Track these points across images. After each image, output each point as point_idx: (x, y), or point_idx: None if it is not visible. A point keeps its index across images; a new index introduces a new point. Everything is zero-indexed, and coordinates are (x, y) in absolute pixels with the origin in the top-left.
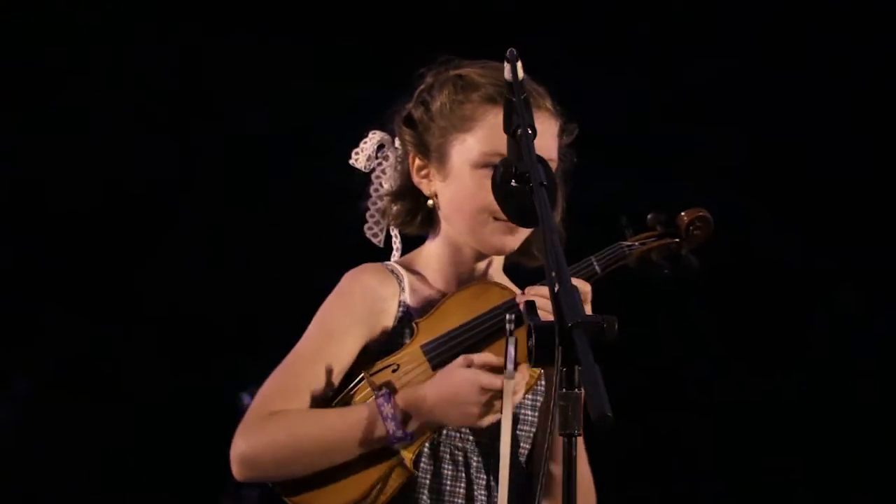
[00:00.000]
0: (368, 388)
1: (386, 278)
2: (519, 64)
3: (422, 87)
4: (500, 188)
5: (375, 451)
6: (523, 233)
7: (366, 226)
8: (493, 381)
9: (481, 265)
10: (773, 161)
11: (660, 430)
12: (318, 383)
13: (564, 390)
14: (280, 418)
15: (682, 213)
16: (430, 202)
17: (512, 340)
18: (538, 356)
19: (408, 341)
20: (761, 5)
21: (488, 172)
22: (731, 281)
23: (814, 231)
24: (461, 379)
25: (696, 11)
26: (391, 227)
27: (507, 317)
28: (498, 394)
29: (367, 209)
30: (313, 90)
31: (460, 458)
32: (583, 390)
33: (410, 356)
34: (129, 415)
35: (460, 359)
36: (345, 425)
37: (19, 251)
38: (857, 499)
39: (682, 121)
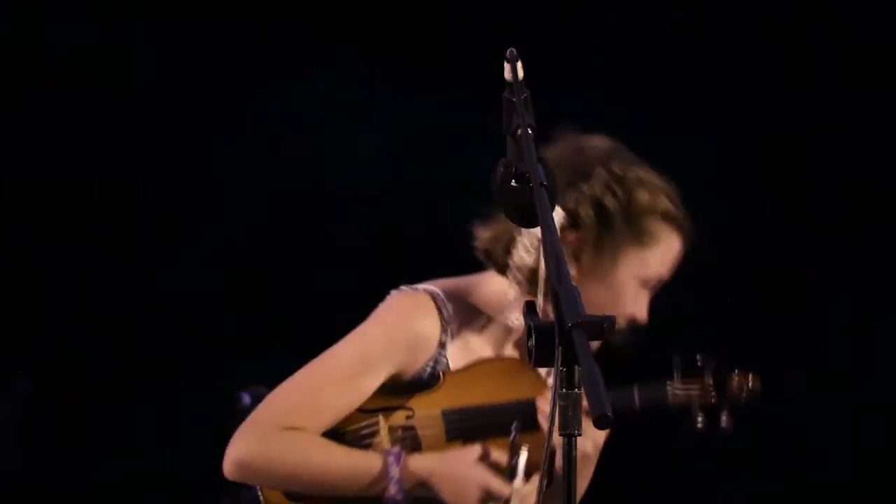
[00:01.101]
0: (382, 433)
1: (434, 319)
2: (519, 64)
3: (611, 178)
4: (500, 188)
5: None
6: None
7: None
8: (501, 489)
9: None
10: (774, 161)
11: (659, 430)
12: (339, 411)
13: (564, 390)
14: (292, 440)
15: (735, 376)
16: None
17: (524, 451)
18: (538, 356)
19: (431, 386)
20: (767, 4)
21: (645, 291)
22: (731, 281)
23: (815, 231)
24: (471, 476)
25: (699, 10)
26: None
27: (513, 426)
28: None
29: (509, 276)
30: (313, 90)
31: None
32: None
33: (428, 412)
34: (128, 415)
35: (475, 451)
36: (349, 469)
37: (19, 251)
38: (858, 499)
39: (685, 121)
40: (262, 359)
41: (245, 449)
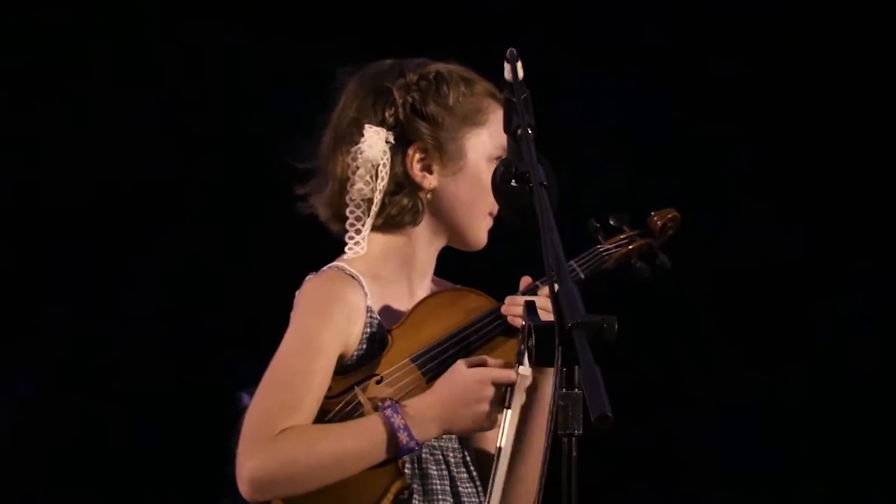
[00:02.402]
0: (364, 402)
1: (351, 285)
2: (519, 64)
3: (413, 81)
4: (500, 188)
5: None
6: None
7: (348, 235)
8: (508, 374)
9: (433, 260)
10: (774, 161)
11: (660, 429)
12: (315, 399)
13: (564, 390)
14: (294, 435)
15: (654, 216)
16: (428, 196)
17: (524, 338)
18: (538, 356)
19: (382, 350)
20: (769, 5)
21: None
22: (731, 280)
23: (815, 231)
24: (470, 378)
25: (701, 10)
26: (362, 228)
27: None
28: (503, 393)
29: (349, 214)
30: (313, 90)
31: (440, 457)
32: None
33: (395, 367)
34: (128, 415)
35: (460, 362)
36: (356, 439)
37: (19, 251)
38: (858, 498)
39: (686, 121)
40: (262, 359)
41: (256, 465)
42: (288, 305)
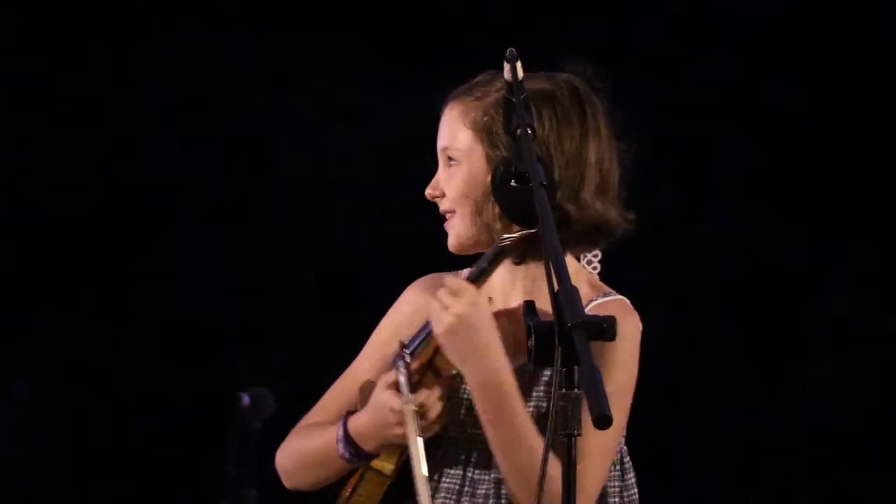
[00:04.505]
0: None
1: (431, 288)
2: (519, 64)
3: None
4: (499, 188)
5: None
6: (454, 232)
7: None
8: (395, 402)
9: (533, 278)
10: (774, 162)
11: (660, 429)
12: (347, 398)
13: (564, 391)
14: (300, 431)
15: None
16: None
17: (401, 365)
18: (538, 356)
19: None
20: (768, 5)
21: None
22: (731, 281)
23: (815, 232)
24: (381, 403)
25: (700, 9)
26: None
27: (397, 349)
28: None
29: None
30: (313, 90)
31: (462, 457)
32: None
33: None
34: (127, 415)
35: (381, 380)
36: (325, 442)
37: (19, 251)
38: (858, 499)
39: (685, 121)
40: (262, 359)
41: (277, 456)
42: (288, 306)
